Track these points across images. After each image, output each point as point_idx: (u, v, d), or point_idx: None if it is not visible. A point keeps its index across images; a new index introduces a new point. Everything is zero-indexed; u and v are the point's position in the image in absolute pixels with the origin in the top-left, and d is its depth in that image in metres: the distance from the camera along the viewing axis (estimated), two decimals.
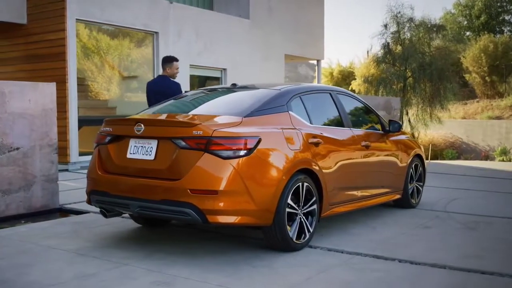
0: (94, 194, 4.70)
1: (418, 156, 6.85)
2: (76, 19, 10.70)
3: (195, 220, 4.07)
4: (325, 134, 5.03)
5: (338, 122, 5.51)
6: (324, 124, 5.29)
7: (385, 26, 16.40)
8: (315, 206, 4.76)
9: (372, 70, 17.05)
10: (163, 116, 4.83)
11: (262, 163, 4.27)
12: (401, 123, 6.32)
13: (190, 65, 13.45)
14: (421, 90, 15.96)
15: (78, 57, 11.02)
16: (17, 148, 6.05)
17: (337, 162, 5.09)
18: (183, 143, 4.15)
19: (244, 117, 4.42)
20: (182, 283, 3.74)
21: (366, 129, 6.05)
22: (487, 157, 21.91)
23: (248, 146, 4.17)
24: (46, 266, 4.13)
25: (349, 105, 5.85)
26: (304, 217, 4.65)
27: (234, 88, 5.43)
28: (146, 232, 5.29)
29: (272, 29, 16.34)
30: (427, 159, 19.49)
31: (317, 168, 4.78)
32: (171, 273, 3.93)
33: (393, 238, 5.12)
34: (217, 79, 14.80)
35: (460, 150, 23.27)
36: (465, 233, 5.43)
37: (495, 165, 15.36)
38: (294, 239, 4.51)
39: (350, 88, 31.77)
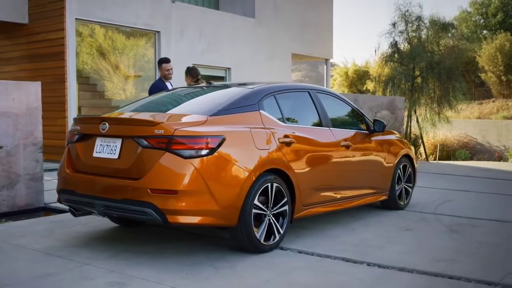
0: (63, 193, 4.69)
1: (407, 156, 6.69)
2: (76, 18, 10.77)
3: (156, 220, 4.01)
4: (298, 134, 4.92)
5: (316, 122, 5.39)
6: (300, 124, 5.18)
7: (393, 24, 16.10)
8: (286, 207, 4.66)
9: (382, 69, 16.74)
10: (127, 115, 4.78)
11: (225, 163, 4.19)
12: (385, 123, 6.16)
13: (193, 64, 13.41)
14: (429, 90, 15.63)
15: (80, 57, 11.08)
16: (1, 147, 6.07)
17: (311, 162, 4.98)
18: (145, 142, 4.10)
19: (210, 116, 4.35)
20: (137, 283, 3.69)
21: (349, 128, 5.91)
22: (500, 158, 21.47)
23: (210, 146, 4.10)
24: (9, 265, 4.11)
25: (330, 104, 5.70)
26: (274, 218, 4.56)
27: (209, 86, 5.37)
28: (120, 232, 5.25)
29: (278, 28, 16.24)
30: (435, 159, 19.30)
31: (288, 168, 4.68)
32: (130, 274, 3.88)
33: (369, 240, 5.00)
34: (221, 78, 14.76)
35: (474, 151, 22.84)
36: (447, 236, 5.27)
37: (505, 166, 15.02)
38: (261, 241, 4.42)
39: (365, 88, 31.37)
